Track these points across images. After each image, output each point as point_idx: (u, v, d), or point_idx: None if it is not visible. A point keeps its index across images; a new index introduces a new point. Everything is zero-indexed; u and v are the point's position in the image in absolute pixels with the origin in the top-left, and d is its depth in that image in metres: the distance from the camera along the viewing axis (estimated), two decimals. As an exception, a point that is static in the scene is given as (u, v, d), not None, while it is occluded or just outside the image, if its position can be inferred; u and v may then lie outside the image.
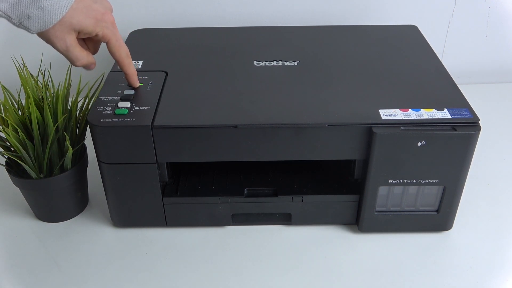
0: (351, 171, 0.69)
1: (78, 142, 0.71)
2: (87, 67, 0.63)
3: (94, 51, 0.65)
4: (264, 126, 0.62)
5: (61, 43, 0.58)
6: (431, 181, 0.65)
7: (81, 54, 0.60)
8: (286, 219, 0.72)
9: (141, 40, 0.84)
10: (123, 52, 0.64)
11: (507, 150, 0.88)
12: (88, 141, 0.68)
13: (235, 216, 0.71)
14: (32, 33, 0.57)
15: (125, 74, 0.67)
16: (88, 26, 0.58)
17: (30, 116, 0.65)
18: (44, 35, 0.57)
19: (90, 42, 0.64)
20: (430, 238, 0.70)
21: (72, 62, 0.61)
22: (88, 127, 0.64)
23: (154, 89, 0.69)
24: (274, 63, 0.75)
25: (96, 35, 0.60)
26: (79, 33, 0.59)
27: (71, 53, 0.59)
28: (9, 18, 0.55)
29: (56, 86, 0.71)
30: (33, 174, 0.68)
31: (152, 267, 0.67)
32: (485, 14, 1.02)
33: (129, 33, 0.87)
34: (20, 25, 0.55)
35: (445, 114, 0.63)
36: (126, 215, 0.71)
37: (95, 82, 0.73)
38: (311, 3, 0.99)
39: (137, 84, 0.69)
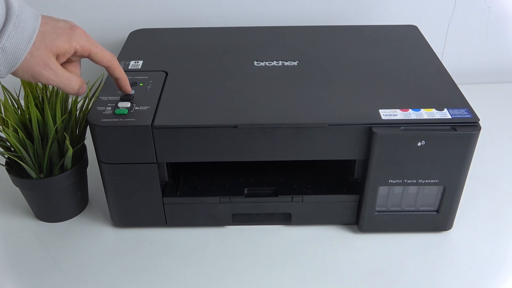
0: (351, 171, 0.69)
1: (78, 142, 0.71)
2: (81, 90, 0.60)
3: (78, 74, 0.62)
4: (264, 126, 0.62)
5: (47, 69, 0.55)
6: (431, 181, 0.65)
7: (72, 75, 0.58)
8: (286, 219, 0.72)
9: (141, 40, 0.84)
10: (109, 55, 0.62)
11: (507, 150, 0.88)
12: (88, 141, 0.68)
13: (235, 216, 0.71)
14: (3, 77, 0.54)
15: (117, 80, 0.65)
16: (63, 43, 0.56)
17: (30, 116, 0.65)
18: (27, 70, 0.55)
19: (70, 66, 0.60)
20: (430, 238, 0.70)
21: (67, 88, 0.58)
22: (88, 127, 0.64)
23: (154, 89, 0.69)
24: (274, 63, 0.75)
25: (75, 52, 0.58)
26: (57, 56, 0.57)
27: (61, 76, 0.57)
28: None
29: (56, 86, 0.70)
30: (33, 174, 0.68)
31: (152, 267, 0.67)
32: (485, 14, 1.01)
33: (129, 33, 0.87)
34: None
35: (445, 114, 0.63)
36: (126, 215, 0.71)
37: (95, 82, 0.73)
38: (311, 3, 0.99)
39: (129, 90, 0.67)
